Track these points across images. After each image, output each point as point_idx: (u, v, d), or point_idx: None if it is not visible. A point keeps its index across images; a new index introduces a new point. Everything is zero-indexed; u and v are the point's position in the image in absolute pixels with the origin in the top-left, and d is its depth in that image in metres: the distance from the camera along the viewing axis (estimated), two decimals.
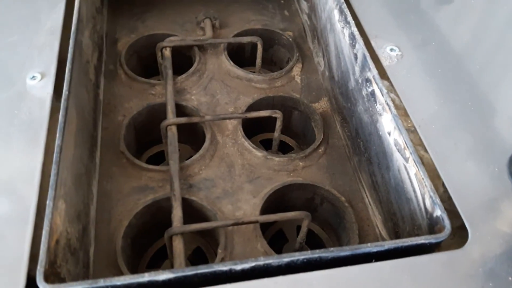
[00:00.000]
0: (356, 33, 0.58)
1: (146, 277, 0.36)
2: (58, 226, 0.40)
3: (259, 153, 0.63)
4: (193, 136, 0.70)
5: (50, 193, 0.40)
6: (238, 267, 0.38)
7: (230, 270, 0.38)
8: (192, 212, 0.57)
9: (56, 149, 0.43)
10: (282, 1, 0.89)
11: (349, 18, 0.60)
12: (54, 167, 0.42)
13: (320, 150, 0.65)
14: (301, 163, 0.63)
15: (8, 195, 0.41)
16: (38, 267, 0.36)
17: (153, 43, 0.74)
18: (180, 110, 0.67)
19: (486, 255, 0.40)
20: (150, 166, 0.60)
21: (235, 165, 0.63)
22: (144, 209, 0.56)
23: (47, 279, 0.36)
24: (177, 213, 0.53)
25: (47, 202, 0.39)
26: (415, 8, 0.64)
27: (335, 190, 0.59)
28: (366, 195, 0.59)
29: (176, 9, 0.84)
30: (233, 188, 0.60)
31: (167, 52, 0.72)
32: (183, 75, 0.72)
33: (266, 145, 0.74)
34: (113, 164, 0.60)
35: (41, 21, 0.58)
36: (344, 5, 0.62)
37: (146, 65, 0.79)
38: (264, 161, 0.63)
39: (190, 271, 0.37)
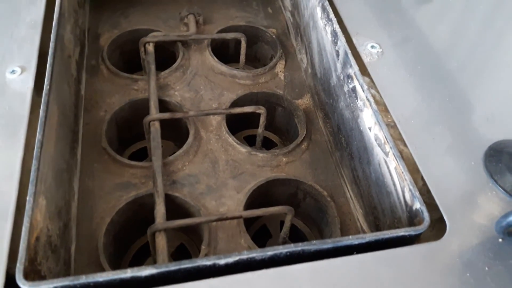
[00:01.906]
0: (338, 30, 0.58)
1: (128, 273, 0.36)
2: (38, 223, 0.40)
3: (243, 149, 0.63)
4: (176, 132, 0.69)
5: (30, 189, 0.39)
6: (222, 261, 0.38)
7: (214, 265, 0.38)
8: (176, 209, 0.57)
9: (36, 144, 0.43)
10: None
11: (331, 15, 0.61)
12: (34, 163, 0.41)
13: (303, 146, 0.65)
14: (284, 159, 0.63)
15: None
16: (18, 265, 0.35)
17: (136, 39, 0.73)
18: (163, 106, 0.67)
19: (464, 246, 0.41)
20: (133, 162, 0.60)
21: (219, 161, 0.63)
22: (126, 206, 0.56)
23: (27, 276, 0.35)
24: (160, 209, 0.53)
25: (27, 198, 0.39)
26: (395, 6, 0.65)
27: (318, 185, 0.60)
28: (348, 190, 0.60)
29: (159, 4, 0.83)
30: (217, 184, 0.60)
31: (150, 48, 0.71)
32: (167, 71, 0.71)
33: (250, 141, 0.74)
34: (94, 160, 0.60)
35: (21, 15, 0.57)
36: (327, 3, 0.62)
37: (128, 61, 0.78)
38: (248, 157, 0.63)
39: (174, 266, 0.37)
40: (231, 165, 0.62)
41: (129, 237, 0.59)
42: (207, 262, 0.37)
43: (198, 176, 0.61)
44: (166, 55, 0.76)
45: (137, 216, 0.57)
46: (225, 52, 0.82)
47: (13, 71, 0.50)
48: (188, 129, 0.65)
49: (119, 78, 0.70)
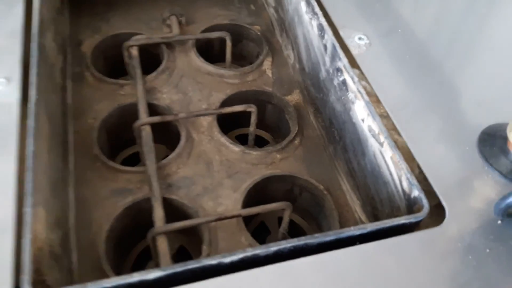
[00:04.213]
0: (324, 23, 0.59)
1: (135, 277, 0.36)
2: (40, 234, 0.39)
3: (236, 148, 0.63)
4: (167, 135, 0.69)
5: (28, 200, 0.39)
6: (227, 259, 0.38)
7: (219, 264, 0.38)
8: (173, 211, 0.57)
9: (29, 155, 0.42)
10: None
11: (317, 9, 0.61)
12: (29, 174, 0.40)
13: (296, 142, 0.65)
14: (278, 156, 0.63)
15: None
16: (25, 276, 0.35)
17: (119, 43, 0.72)
18: (152, 110, 0.66)
19: (464, 231, 0.42)
20: (127, 168, 0.59)
21: (213, 161, 0.62)
22: (124, 212, 0.55)
23: (34, 287, 0.35)
24: (158, 213, 0.52)
25: (26, 209, 0.38)
26: None
27: (313, 179, 0.60)
28: (344, 182, 0.60)
29: (140, 7, 0.83)
30: (213, 185, 0.60)
31: (134, 51, 0.70)
32: (153, 74, 0.71)
33: (241, 140, 0.74)
34: (87, 168, 0.59)
35: None
36: None
37: (112, 66, 0.77)
38: (241, 155, 0.63)
39: (180, 268, 0.36)
40: (225, 165, 0.62)
41: (129, 242, 0.58)
42: (213, 261, 0.37)
43: (193, 178, 0.60)
44: (151, 58, 0.76)
45: (136, 221, 0.56)
46: (210, 51, 0.81)
47: None
48: (179, 132, 0.64)
49: (105, 84, 0.69)
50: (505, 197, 0.40)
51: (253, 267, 0.38)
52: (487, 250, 0.40)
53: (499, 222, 0.42)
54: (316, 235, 0.40)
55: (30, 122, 0.44)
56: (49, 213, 0.43)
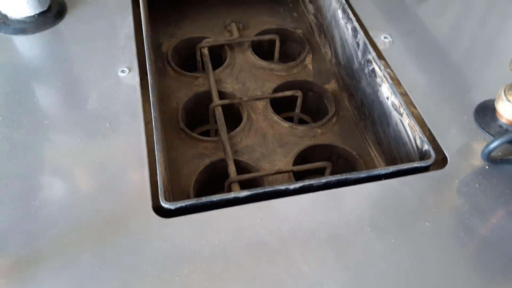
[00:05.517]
0: (357, 26, 0.76)
1: (232, 194, 0.53)
2: (163, 170, 0.57)
3: (286, 124, 0.80)
4: (229, 117, 0.87)
5: (157, 146, 0.57)
6: (292, 186, 0.55)
7: (286, 189, 0.55)
8: (241, 169, 0.74)
9: (153, 119, 0.61)
10: (290, 5, 1.07)
11: (351, 15, 0.78)
12: (155, 130, 0.59)
13: (333, 120, 0.82)
14: (319, 130, 0.80)
15: (129, 151, 0.58)
16: (160, 192, 0.53)
17: (191, 45, 0.91)
18: (221, 96, 0.84)
19: (461, 172, 0.58)
20: (205, 138, 0.77)
21: (268, 134, 0.80)
22: (204, 169, 0.73)
23: (166, 199, 0.53)
24: (232, 168, 0.70)
25: (156, 152, 0.57)
26: (401, 5, 0.83)
27: (348, 147, 0.77)
28: (372, 150, 0.77)
29: (205, 16, 1.02)
30: (268, 152, 0.77)
31: (205, 51, 0.89)
32: (219, 69, 0.89)
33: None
34: (175, 138, 0.78)
35: (117, 30, 0.75)
36: (346, 6, 0.80)
37: (185, 63, 0.97)
38: (290, 130, 0.80)
39: (261, 190, 0.54)
40: (277, 137, 0.80)
41: (206, 192, 0.76)
42: (282, 187, 0.55)
43: (253, 147, 0.78)
44: (215, 57, 0.94)
45: (212, 176, 0.74)
46: (261, 51, 0.99)
47: (123, 71, 0.68)
48: (239, 113, 0.82)
49: (182, 76, 0.88)
50: (488, 144, 0.55)
51: (309, 192, 0.55)
52: (477, 185, 0.56)
53: (487, 167, 0.58)
54: (354, 172, 0.57)
55: (151, 97, 0.63)
56: (163, 160, 0.62)
